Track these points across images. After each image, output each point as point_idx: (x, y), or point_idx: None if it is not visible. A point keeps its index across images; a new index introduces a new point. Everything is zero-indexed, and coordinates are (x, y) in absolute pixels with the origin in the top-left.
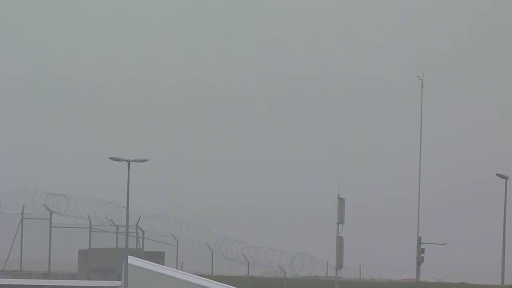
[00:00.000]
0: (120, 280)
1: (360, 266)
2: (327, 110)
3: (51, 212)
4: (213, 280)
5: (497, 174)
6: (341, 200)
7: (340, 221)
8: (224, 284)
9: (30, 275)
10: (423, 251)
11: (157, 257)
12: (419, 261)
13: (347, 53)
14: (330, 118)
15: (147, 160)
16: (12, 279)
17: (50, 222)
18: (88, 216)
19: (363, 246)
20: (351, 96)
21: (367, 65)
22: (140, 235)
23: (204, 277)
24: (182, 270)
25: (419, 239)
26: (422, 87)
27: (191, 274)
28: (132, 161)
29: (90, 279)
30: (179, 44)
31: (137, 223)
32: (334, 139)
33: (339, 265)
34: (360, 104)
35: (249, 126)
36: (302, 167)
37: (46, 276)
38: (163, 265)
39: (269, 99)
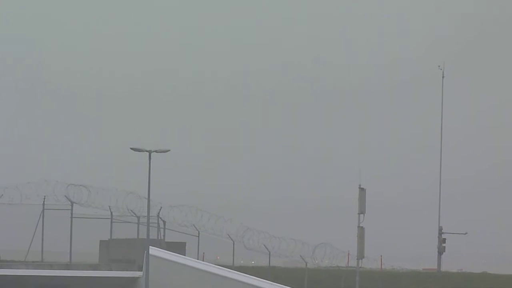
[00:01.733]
0: (141, 271)
1: (381, 256)
2: (344, 97)
3: (72, 203)
4: (234, 270)
5: None
6: (362, 190)
7: (361, 211)
8: (245, 274)
9: (51, 266)
10: (444, 240)
11: (178, 247)
12: (440, 251)
13: (365, 40)
14: (348, 106)
15: (169, 150)
16: (33, 270)
17: (71, 213)
18: (109, 206)
19: (384, 236)
20: (366, 84)
21: (385, 51)
22: (161, 225)
23: (226, 267)
24: (203, 261)
25: (440, 229)
26: (443, 77)
27: (212, 265)
28: (154, 151)
29: (111, 270)
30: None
31: (158, 213)
32: (353, 127)
33: (360, 255)
34: (376, 92)
35: (268, 115)
36: (322, 156)
37: (67, 266)
38: (184, 255)
39: (287, 88)
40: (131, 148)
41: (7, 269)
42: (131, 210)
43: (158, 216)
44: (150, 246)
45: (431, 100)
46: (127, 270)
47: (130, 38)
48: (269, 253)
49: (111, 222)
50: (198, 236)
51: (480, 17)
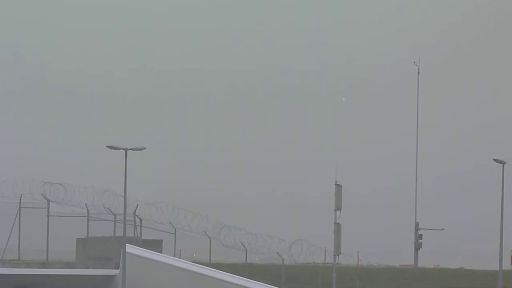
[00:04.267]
0: (118, 269)
1: (358, 252)
2: (323, 98)
3: (48, 201)
4: (211, 267)
5: (494, 160)
6: (338, 186)
7: (338, 207)
8: (222, 271)
9: (28, 264)
10: (420, 236)
11: (155, 245)
12: (417, 246)
13: (341, 42)
14: (327, 105)
15: (144, 148)
16: (10, 269)
17: (48, 211)
18: (85, 204)
19: (361, 232)
20: (347, 84)
21: (362, 53)
22: (138, 223)
23: (202, 265)
24: (180, 258)
25: (416, 225)
26: (418, 73)
27: (189, 262)
28: (129, 149)
29: (88, 268)
30: (178, 33)
31: (135, 211)
32: (330, 126)
33: (337, 252)
34: (356, 91)
35: (246, 112)
36: (299, 153)
37: (44, 265)
38: (161, 253)
39: (266, 86)
40: (107, 146)
41: None
42: (108, 208)
43: (134, 214)
44: (126, 244)
45: (409, 101)
46: (104, 268)
47: (106, 38)
48: (246, 250)
49: (88, 220)
50: (175, 234)
51: (470, 22)
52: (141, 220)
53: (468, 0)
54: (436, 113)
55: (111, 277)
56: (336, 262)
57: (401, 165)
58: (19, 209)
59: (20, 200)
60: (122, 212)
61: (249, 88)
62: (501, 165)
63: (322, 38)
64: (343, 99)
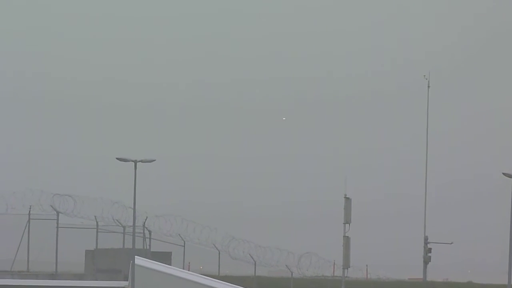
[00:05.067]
0: (127, 281)
1: (366, 265)
2: (329, 108)
3: (57, 213)
4: (219, 280)
5: (503, 174)
6: (347, 199)
7: (347, 221)
8: (231, 284)
9: (37, 276)
10: (430, 250)
11: (164, 257)
12: (426, 260)
13: (347, 51)
14: (332, 116)
15: (154, 160)
16: (19, 280)
17: (57, 223)
18: (95, 216)
19: (368, 245)
20: (352, 94)
21: (367, 63)
22: (147, 235)
23: (211, 277)
24: (189, 270)
25: (425, 239)
26: (428, 86)
27: (197, 274)
28: (139, 161)
29: (96, 280)
30: (180, 42)
31: (144, 223)
32: (337, 137)
33: (346, 265)
34: (361, 101)
35: (253, 123)
36: (307, 165)
37: (53, 276)
38: (170, 265)
39: (272, 97)
40: (117, 158)
41: None
42: (117, 220)
43: (143, 226)
44: (135, 256)
45: (413, 111)
46: (112, 280)
47: (110, 47)
48: (255, 263)
49: (97, 232)
50: (184, 246)
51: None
52: (150, 232)
53: (479, 3)
54: (440, 121)
55: None
56: (345, 275)
57: (402, 175)
58: (28, 221)
59: (30, 211)
60: (131, 224)
61: (252, 97)
62: (510, 179)
63: (329, 43)
64: (283, 118)
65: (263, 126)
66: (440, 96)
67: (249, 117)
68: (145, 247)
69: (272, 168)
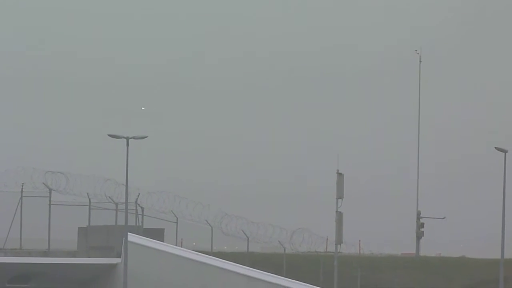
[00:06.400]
0: (120, 257)
1: (359, 241)
2: (323, 83)
3: (50, 190)
4: (212, 256)
5: (496, 148)
6: (340, 175)
7: (339, 196)
8: (224, 260)
9: (29, 253)
10: (422, 225)
11: (157, 234)
12: (419, 235)
13: (340, 26)
14: (326, 91)
15: (146, 137)
16: (12, 257)
17: (50, 200)
18: (87, 193)
19: (362, 221)
20: (346, 69)
21: (361, 38)
22: (140, 212)
23: (204, 253)
24: (181, 247)
25: (418, 214)
26: (420, 61)
27: (191, 251)
28: (131, 138)
29: (89, 257)
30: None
31: (136, 200)
32: (331, 112)
33: (339, 240)
34: (355, 77)
35: (246, 100)
36: (300, 141)
37: (45, 254)
38: (163, 241)
39: (263, 73)
40: (109, 135)
41: None
42: (109, 197)
43: (136, 202)
44: (128, 233)
45: (409, 87)
46: (105, 257)
47: (106, 22)
48: (247, 239)
49: (89, 209)
50: (177, 223)
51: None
52: (142, 209)
53: None
54: (436, 99)
55: (113, 266)
56: (338, 251)
57: (400, 153)
58: (21, 198)
59: (22, 189)
60: (124, 201)
61: (246, 75)
62: (503, 153)
63: (322, 21)
64: (143, 108)
65: (255, 104)
66: (437, 72)
67: (241, 94)
68: (137, 224)
69: (266, 146)
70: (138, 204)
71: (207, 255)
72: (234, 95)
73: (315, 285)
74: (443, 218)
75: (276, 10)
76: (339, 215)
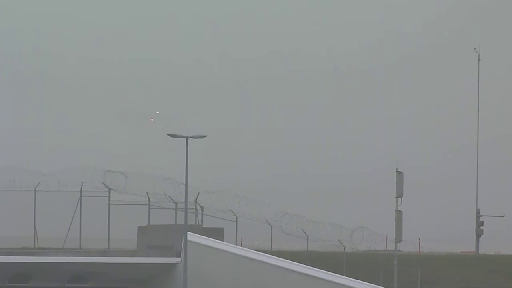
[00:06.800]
0: (179, 257)
1: (419, 239)
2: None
3: (109, 190)
4: (272, 255)
5: None
6: (399, 173)
7: (399, 194)
8: (283, 259)
9: (89, 253)
10: (482, 223)
11: (216, 233)
12: (478, 233)
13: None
14: (376, 82)
15: (205, 136)
16: (71, 257)
17: (109, 200)
18: (146, 192)
19: (420, 218)
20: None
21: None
22: (199, 211)
23: (264, 252)
24: (241, 246)
25: (477, 212)
26: (479, 59)
27: (250, 250)
28: (191, 137)
29: (149, 256)
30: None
31: (196, 199)
32: (389, 103)
33: (398, 239)
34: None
35: (304, 94)
36: (356, 134)
37: (105, 253)
38: (222, 241)
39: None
40: (168, 134)
41: (45, 257)
42: (169, 196)
43: (195, 201)
44: (188, 232)
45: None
46: (165, 256)
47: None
48: (307, 238)
49: (149, 208)
50: (236, 222)
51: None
52: (202, 208)
53: None
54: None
55: (172, 265)
56: (397, 249)
57: (459, 150)
58: (80, 198)
59: (81, 188)
60: (183, 200)
61: (296, 69)
62: None
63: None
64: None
65: (315, 98)
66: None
67: (299, 88)
68: (197, 223)
69: (323, 141)
70: (198, 203)
71: (267, 254)
72: (291, 90)
73: (375, 284)
74: (503, 216)
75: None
76: (399, 214)
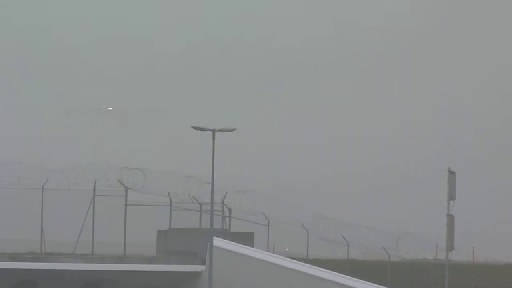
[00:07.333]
0: (204, 264)
1: (473, 247)
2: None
3: (126, 188)
4: (308, 263)
5: None
6: (451, 173)
7: (451, 197)
8: (320, 268)
9: (102, 259)
10: None
11: (246, 238)
12: None
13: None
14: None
15: (234, 129)
16: (82, 264)
17: (126, 199)
18: (168, 192)
19: (474, 225)
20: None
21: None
22: (226, 213)
23: (299, 260)
24: (273, 253)
25: None
26: None
27: (283, 257)
28: (218, 130)
29: (170, 263)
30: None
31: (223, 200)
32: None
33: (450, 247)
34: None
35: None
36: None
37: (120, 260)
38: (253, 247)
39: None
40: (193, 127)
41: (54, 263)
42: (193, 197)
43: (222, 203)
44: (214, 237)
45: None
46: (188, 264)
47: None
48: (347, 244)
49: (170, 209)
50: (268, 226)
51: None
52: (230, 210)
53: None
54: None
55: (196, 274)
56: (449, 258)
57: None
58: (93, 197)
59: (95, 186)
60: (209, 201)
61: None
62: None
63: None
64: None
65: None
66: None
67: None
68: (224, 227)
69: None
70: (225, 205)
71: (301, 262)
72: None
73: None
74: None
75: None
76: (450, 218)
